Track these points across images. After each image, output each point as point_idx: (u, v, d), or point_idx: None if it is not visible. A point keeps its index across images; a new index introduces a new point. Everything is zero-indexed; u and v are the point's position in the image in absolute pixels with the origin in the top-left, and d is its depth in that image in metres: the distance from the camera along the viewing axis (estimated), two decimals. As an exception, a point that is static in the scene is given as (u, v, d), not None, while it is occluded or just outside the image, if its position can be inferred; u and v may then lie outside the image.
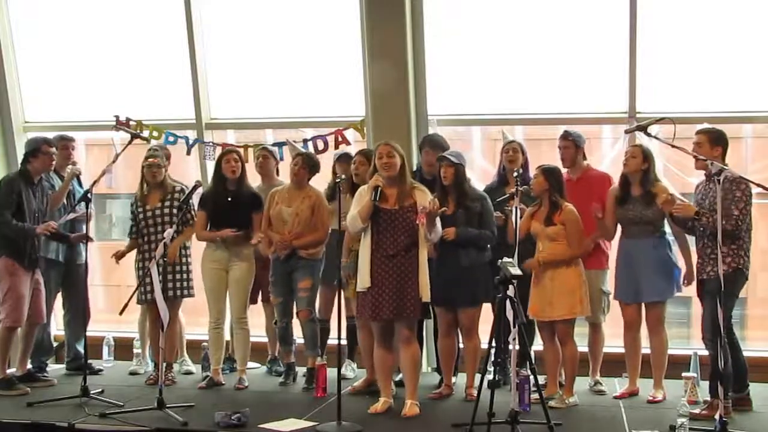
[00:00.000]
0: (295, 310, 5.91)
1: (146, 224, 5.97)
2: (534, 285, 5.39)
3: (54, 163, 5.94)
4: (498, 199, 5.58)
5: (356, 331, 5.93)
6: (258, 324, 6.40)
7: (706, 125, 5.24)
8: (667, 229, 5.51)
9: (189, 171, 7.22)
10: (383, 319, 5.10)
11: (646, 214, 5.41)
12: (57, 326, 7.03)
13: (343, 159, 6.12)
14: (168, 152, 6.45)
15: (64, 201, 6.15)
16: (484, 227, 5.45)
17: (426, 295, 5.07)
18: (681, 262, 5.56)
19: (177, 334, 6.20)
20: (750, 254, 5.07)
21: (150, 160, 5.98)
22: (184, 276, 6.01)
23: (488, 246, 5.52)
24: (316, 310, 6.00)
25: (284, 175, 6.54)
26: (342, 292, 5.12)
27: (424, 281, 5.07)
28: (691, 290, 5.41)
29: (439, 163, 5.51)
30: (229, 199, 5.89)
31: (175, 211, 5.86)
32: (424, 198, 5.06)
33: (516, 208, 5.20)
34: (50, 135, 6.26)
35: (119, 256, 6.08)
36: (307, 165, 5.88)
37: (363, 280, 5.11)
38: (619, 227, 5.59)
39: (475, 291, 5.42)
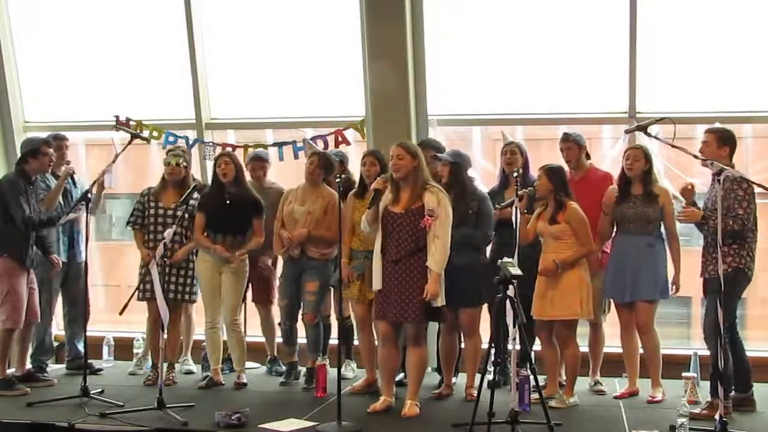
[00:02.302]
0: (301, 312, 5.92)
1: (155, 221, 5.94)
2: (538, 284, 5.38)
3: (52, 163, 5.94)
4: (503, 203, 5.58)
5: (351, 330, 5.97)
6: (256, 324, 6.41)
7: (717, 124, 5.26)
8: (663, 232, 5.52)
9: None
10: (388, 320, 5.10)
11: (647, 212, 5.41)
12: (57, 326, 7.03)
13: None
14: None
15: (60, 201, 6.14)
16: (480, 228, 5.44)
17: (438, 299, 4.99)
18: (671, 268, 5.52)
19: (178, 335, 6.19)
20: (755, 254, 5.05)
21: (171, 158, 5.99)
22: (188, 281, 6.00)
23: (484, 247, 5.52)
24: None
25: (276, 176, 6.54)
26: (340, 292, 5.13)
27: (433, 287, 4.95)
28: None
29: (436, 163, 5.52)
30: (228, 202, 5.87)
31: (187, 215, 5.86)
32: (432, 200, 4.99)
33: (517, 209, 5.20)
34: (46, 135, 6.26)
35: (148, 261, 5.72)
36: (323, 165, 5.83)
37: (375, 282, 5.12)
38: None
39: (475, 291, 5.41)
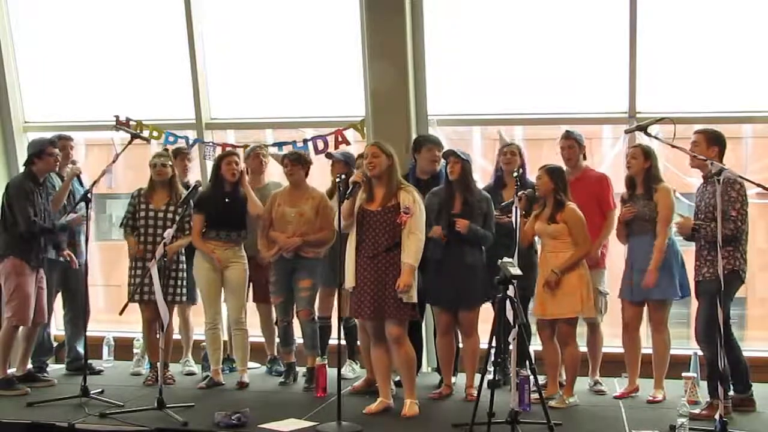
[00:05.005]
0: (295, 310, 5.92)
1: (146, 224, 5.95)
2: (539, 284, 5.38)
3: (58, 163, 5.95)
4: (503, 204, 5.58)
5: (355, 330, 5.95)
6: (256, 323, 6.40)
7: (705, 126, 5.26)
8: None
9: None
10: (364, 318, 5.13)
11: (644, 212, 5.41)
12: (57, 326, 7.03)
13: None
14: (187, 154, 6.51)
15: (65, 201, 6.14)
16: (487, 228, 5.45)
17: (410, 294, 5.01)
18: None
19: (171, 336, 6.16)
20: (747, 256, 5.05)
21: (156, 159, 5.99)
22: (178, 282, 5.99)
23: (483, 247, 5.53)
24: (316, 309, 5.99)
25: (271, 174, 6.54)
26: (341, 292, 5.14)
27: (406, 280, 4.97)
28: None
29: (447, 158, 5.51)
30: (227, 200, 5.88)
31: (177, 217, 5.84)
32: (408, 198, 5.04)
33: (517, 209, 5.21)
34: (49, 135, 6.26)
35: (134, 255, 5.96)
36: (298, 163, 5.87)
37: (348, 280, 5.12)
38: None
39: (475, 291, 5.42)
